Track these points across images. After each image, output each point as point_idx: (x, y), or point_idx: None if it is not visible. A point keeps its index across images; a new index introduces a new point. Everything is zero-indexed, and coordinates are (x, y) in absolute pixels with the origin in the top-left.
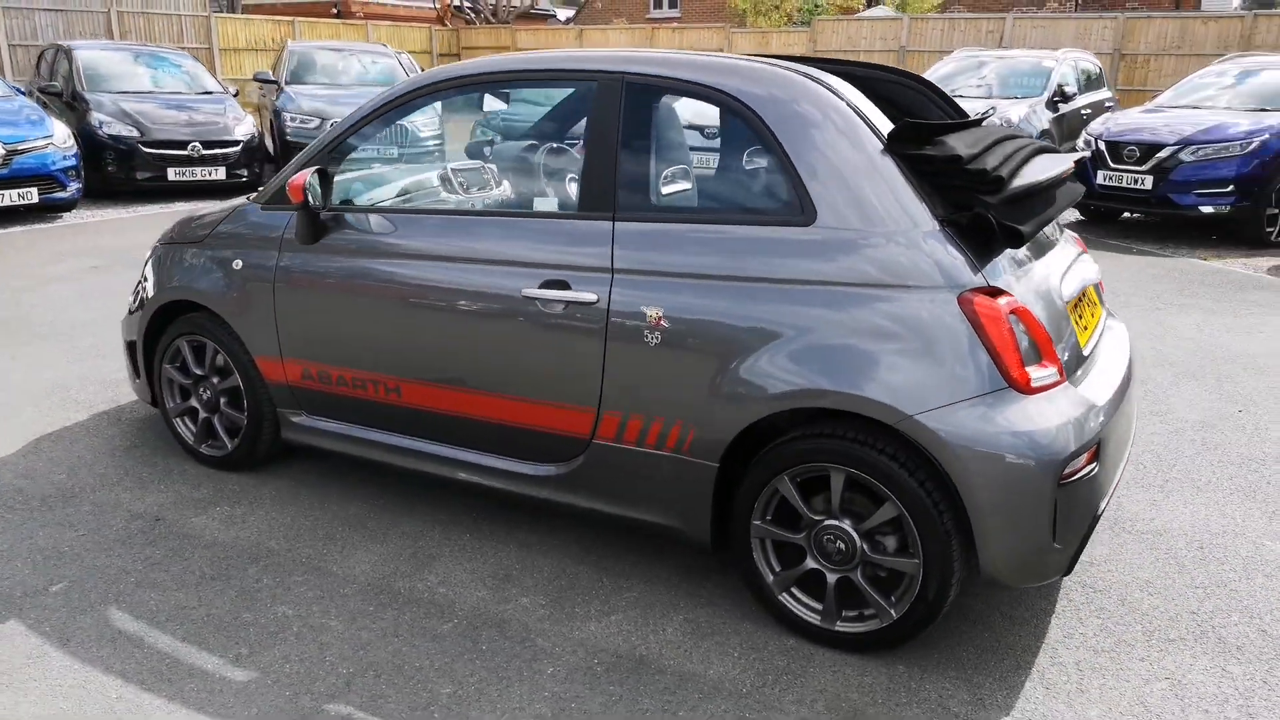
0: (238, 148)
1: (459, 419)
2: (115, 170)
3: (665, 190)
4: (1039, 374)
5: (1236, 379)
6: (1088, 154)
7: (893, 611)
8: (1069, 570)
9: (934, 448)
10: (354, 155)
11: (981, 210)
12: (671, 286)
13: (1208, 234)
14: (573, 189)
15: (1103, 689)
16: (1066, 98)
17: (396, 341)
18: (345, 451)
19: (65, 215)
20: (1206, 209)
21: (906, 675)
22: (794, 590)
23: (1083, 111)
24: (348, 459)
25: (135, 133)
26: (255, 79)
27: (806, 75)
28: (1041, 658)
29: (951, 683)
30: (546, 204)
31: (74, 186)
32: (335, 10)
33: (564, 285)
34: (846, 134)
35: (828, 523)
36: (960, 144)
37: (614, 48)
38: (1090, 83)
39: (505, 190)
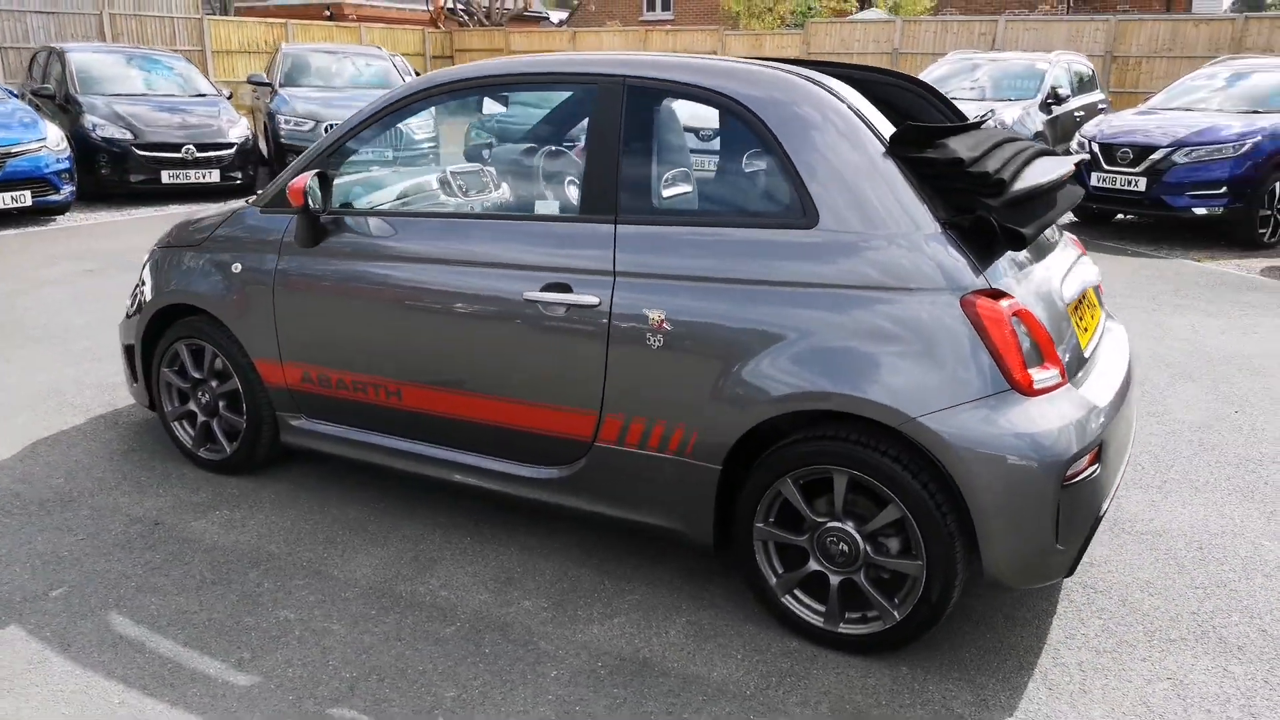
0: (232, 150)
1: (460, 422)
2: (109, 173)
3: (667, 193)
4: (1041, 376)
5: (1232, 380)
6: (1086, 156)
7: (896, 613)
8: (1071, 571)
9: (937, 450)
10: (353, 159)
11: (984, 213)
12: (673, 289)
13: (1201, 235)
14: (573, 192)
15: (1105, 689)
16: (1060, 100)
17: (397, 345)
18: (345, 455)
19: (59, 218)
20: (1200, 210)
21: (910, 676)
22: (797, 592)
23: (1076, 114)
24: (347, 462)
25: (129, 135)
26: (249, 81)
27: (807, 78)
28: (1044, 658)
29: (955, 684)
30: (547, 207)
31: (67, 189)
32: (328, 13)
33: (566, 288)
34: (848, 136)
35: (830, 525)
36: (962, 147)
37: (611, 50)
38: (1083, 85)
39: (505, 193)
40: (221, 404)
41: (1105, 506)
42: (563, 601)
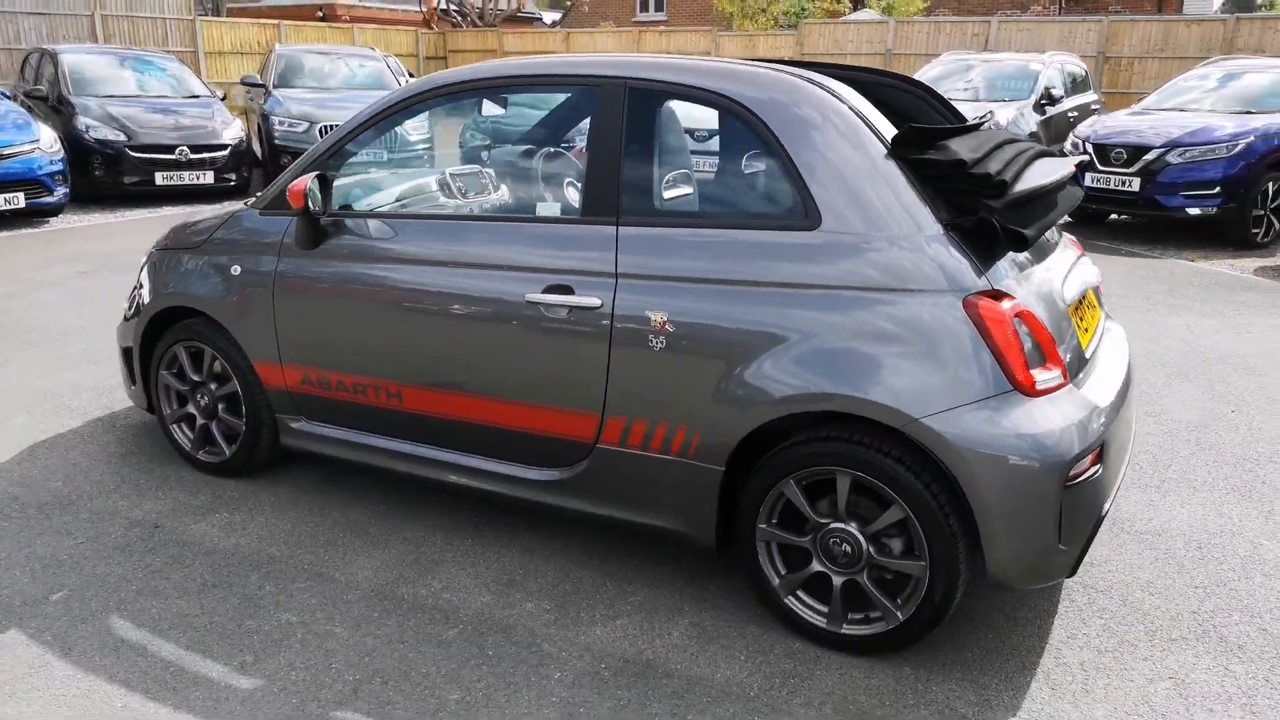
0: (225, 151)
1: (461, 424)
2: (102, 174)
3: (668, 195)
4: (1043, 376)
5: (1228, 379)
6: (1085, 157)
7: (899, 614)
8: (1074, 571)
9: (940, 450)
10: (353, 160)
11: (986, 214)
12: (676, 291)
13: (1195, 235)
14: (573, 194)
15: (1107, 689)
16: (1053, 100)
17: (398, 347)
18: (345, 457)
19: (52, 220)
20: (1193, 210)
21: (913, 677)
22: (800, 593)
23: (1070, 114)
24: (347, 465)
25: (122, 137)
26: (243, 82)
27: (808, 79)
28: (1046, 658)
29: (958, 684)
30: (548, 209)
31: (61, 191)
32: (321, 14)
33: (567, 290)
34: (849, 138)
35: (833, 526)
36: (963, 148)
37: (606, 51)
38: (1076, 85)
39: (505, 195)
40: (220, 406)
41: (1107, 507)
42: (565, 603)
